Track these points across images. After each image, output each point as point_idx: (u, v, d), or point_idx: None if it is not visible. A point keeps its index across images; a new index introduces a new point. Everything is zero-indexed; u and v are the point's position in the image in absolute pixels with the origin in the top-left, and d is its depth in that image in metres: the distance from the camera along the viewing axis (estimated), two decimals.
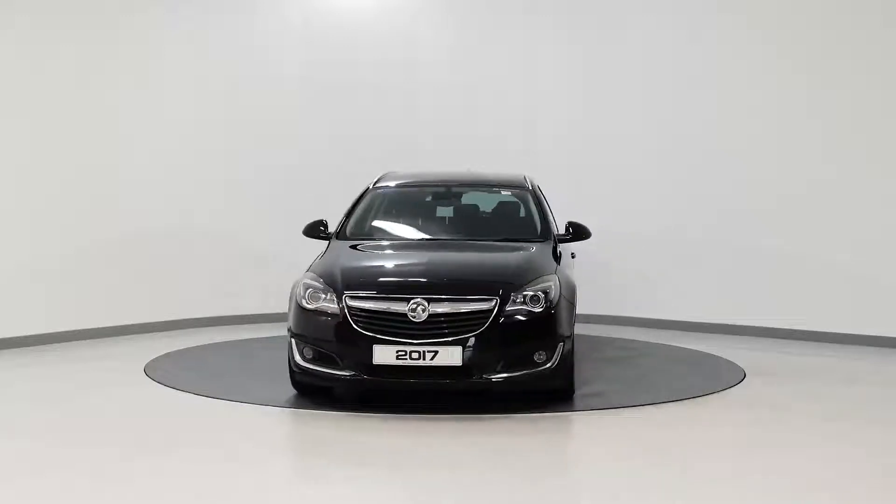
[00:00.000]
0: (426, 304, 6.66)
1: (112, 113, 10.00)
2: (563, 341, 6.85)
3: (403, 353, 6.61)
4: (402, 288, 6.92)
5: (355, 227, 8.17)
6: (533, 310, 6.77)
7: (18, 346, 9.15)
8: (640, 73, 10.92)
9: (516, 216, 8.39)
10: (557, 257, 7.64)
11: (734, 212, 10.35)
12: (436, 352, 6.60)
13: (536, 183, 8.69)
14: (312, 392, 7.22)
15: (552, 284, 6.94)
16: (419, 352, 6.61)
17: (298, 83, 11.46)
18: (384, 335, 6.66)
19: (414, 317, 6.65)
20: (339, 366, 6.80)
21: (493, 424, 6.70)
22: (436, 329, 6.65)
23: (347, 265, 7.30)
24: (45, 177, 9.48)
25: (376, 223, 8.32)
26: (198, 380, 7.82)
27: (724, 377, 8.17)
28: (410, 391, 7.06)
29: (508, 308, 6.73)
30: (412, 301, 6.67)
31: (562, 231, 8.03)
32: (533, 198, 8.23)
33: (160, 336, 9.92)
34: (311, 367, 6.94)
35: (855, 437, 6.42)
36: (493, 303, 6.70)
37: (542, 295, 6.83)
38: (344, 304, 6.80)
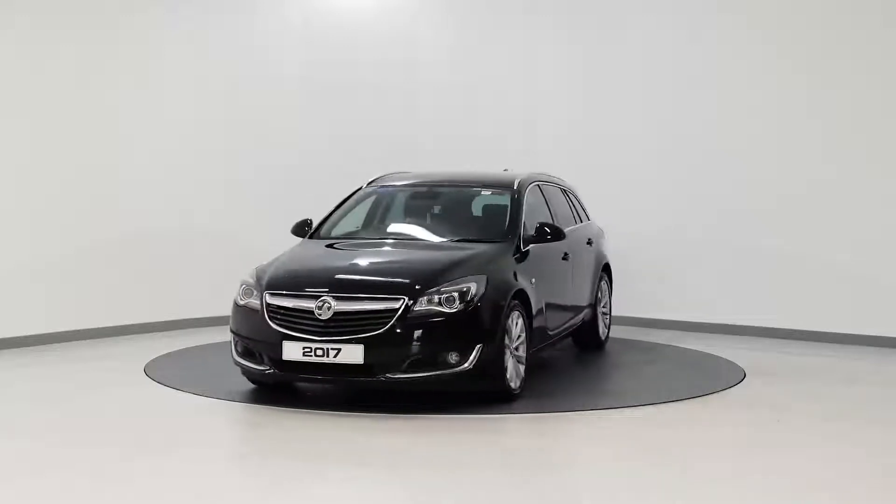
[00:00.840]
0: (332, 302, 6.73)
1: (112, 113, 10.00)
2: (485, 342, 6.76)
3: (309, 349, 6.69)
4: (313, 286, 6.96)
5: (330, 227, 8.28)
6: (445, 310, 6.72)
7: (18, 346, 9.15)
8: (640, 73, 10.92)
9: (490, 217, 8.22)
10: (519, 258, 7.51)
11: (734, 212, 10.35)
12: (339, 349, 6.65)
13: (533, 183, 8.46)
14: (270, 388, 7.38)
15: (472, 286, 6.83)
16: (323, 349, 6.66)
17: (298, 83, 11.46)
18: (293, 332, 6.77)
19: (319, 314, 6.73)
20: (259, 361, 6.98)
21: (493, 424, 6.70)
22: (339, 327, 6.70)
23: (280, 263, 7.42)
24: (45, 177, 9.49)
25: (350, 223, 8.42)
26: (198, 380, 7.82)
27: (724, 377, 8.17)
28: (321, 387, 7.27)
29: (417, 308, 6.70)
30: (319, 299, 6.76)
31: (532, 233, 7.81)
32: (514, 199, 8.02)
33: (160, 336, 9.92)
34: (241, 361, 7.16)
35: (855, 437, 6.43)
36: (400, 302, 6.69)
37: (457, 295, 6.76)
38: (263, 300, 6.96)
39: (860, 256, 9.74)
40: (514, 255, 7.51)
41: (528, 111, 11.50)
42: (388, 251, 7.83)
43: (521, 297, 7.25)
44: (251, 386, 7.53)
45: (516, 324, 7.11)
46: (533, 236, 7.73)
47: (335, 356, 6.65)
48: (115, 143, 10.04)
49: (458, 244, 7.64)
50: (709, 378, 8.23)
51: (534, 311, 7.44)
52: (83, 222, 9.76)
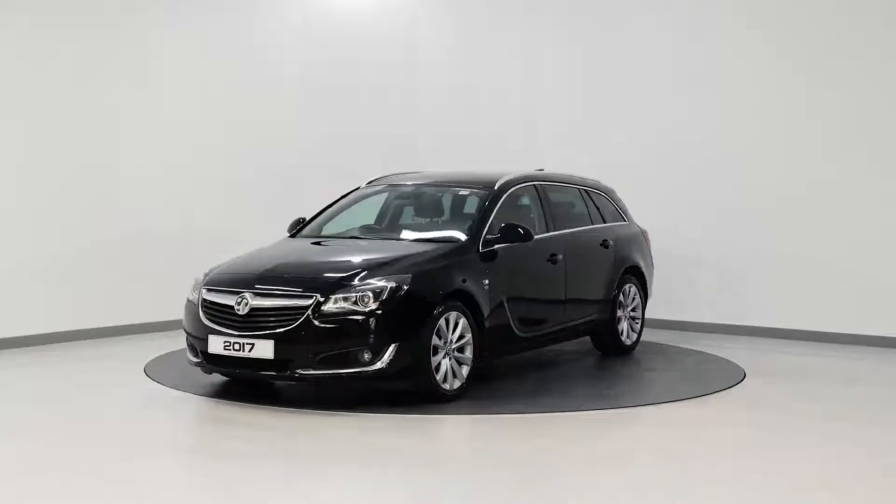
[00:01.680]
0: (249, 298, 6.92)
1: (112, 113, 10.00)
2: (402, 342, 6.78)
3: (228, 343, 6.92)
4: (236, 282, 7.16)
5: (317, 225, 8.43)
6: (357, 308, 6.77)
7: (18, 346, 9.15)
8: (640, 73, 10.92)
9: (458, 217, 8.18)
10: (480, 259, 7.48)
11: (734, 212, 10.35)
12: (252, 344, 6.82)
13: (523, 183, 8.35)
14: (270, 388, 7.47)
15: (389, 285, 6.86)
16: (240, 343, 6.86)
17: (298, 83, 11.46)
18: (217, 326, 7.03)
19: (238, 310, 6.92)
20: (194, 353, 7.29)
21: (493, 425, 6.70)
22: (255, 323, 6.87)
23: (232, 261, 7.67)
24: (45, 177, 9.48)
25: (331, 223, 8.48)
26: (198, 380, 7.82)
27: (724, 377, 8.17)
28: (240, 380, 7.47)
29: (328, 306, 6.77)
30: (239, 295, 6.96)
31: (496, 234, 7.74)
32: (488, 200, 7.97)
33: (160, 336, 9.91)
34: (188, 354, 7.45)
35: (855, 437, 6.42)
36: (312, 300, 6.78)
37: (371, 295, 6.79)
38: (200, 295, 7.26)
39: (860, 256, 9.74)
40: (469, 255, 7.48)
41: (528, 111, 11.50)
42: (338, 249, 7.92)
43: (463, 297, 7.20)
44: (251, 386, 7.55)
45: (456, 324, 7.10)
46: (496, 237, 7.66)
47: (249, 350, 6.83)
48: (115, 143, 10.04)
49: (415, 243, 7.69)
50: (709, 378, 8.23)
51: (486, 313, 7.36)
52: (83, 222, 9.76)
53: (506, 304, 7.65)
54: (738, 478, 5.54)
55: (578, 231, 8.75)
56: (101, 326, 9.84)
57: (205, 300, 7.19)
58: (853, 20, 9.78)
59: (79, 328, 9.69)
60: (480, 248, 7.56)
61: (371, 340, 6.74)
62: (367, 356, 6.75)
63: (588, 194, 9.22)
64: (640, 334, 9.41)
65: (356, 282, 6.89)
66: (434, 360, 6.92)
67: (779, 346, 9.75)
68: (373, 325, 6.75)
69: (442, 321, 6.98)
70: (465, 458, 5.89)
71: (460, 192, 8.41)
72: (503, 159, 10.37)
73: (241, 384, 7.56)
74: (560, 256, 8.32)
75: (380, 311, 6.76)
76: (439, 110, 11.70)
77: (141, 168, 10.22)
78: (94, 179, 9.87)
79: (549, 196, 8.67)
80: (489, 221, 7.76)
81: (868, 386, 8.08)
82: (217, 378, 7.74)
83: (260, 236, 10.70)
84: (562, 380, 8.19)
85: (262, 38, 11.26)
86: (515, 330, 7.80)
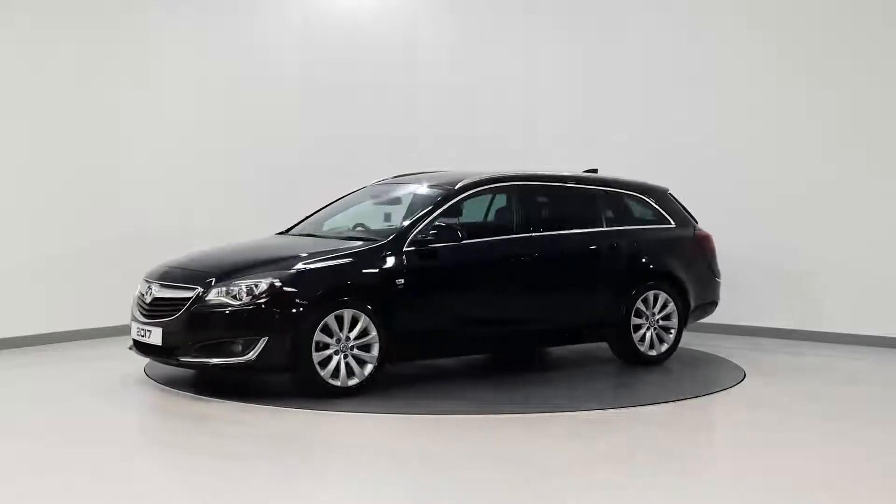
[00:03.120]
0: (155, 289, 7.49)
1: (112, 113, 10.00)
2: (273, 336, 7.01)
3: (139, 330, 7.54)
4: (155, 274, 7.73)
5: (305, 225, 8.67)
6: (230, 302, 7.10)
7: (18, 346, 9.15)
8: (640, 73, 10.92)
9: (410, 216, 8.08)
10: (391, 257, 7.48)
11: (734, 212, 10.35)
12: (150, 331, 7.41)
13: (496, 183, 8.26)
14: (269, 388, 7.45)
15: (264, 282, 7.11)
16: (144, 330, 7.47)
17: (298, 83, 11.46)
18: (135, 314, 7.68)
19: (145, 299, 7.55)
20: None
21: (493, 424, 6.70)
22: (154, 312, 7.45)
23: (182, 256, 8.08)
24: (45, 177, 9.48)
25: (314, 221, 8.66)
26: (197, 380, 7.82)
27: (724, 377, 8.17)
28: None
29: (207, 298, 7.16)
30: (148, 285, 7.59)
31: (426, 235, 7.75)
32: (440, 200, 7.96)
33: None
34: None
35: (855, 437, 6.42)
36: (194, 292, 7.21)
37: (245, 289, 7.09)
38: (139, 287, 7.81)
39: (860, 256, 9.74)
40: (384, 254, 7.50)
41: (528, 111, 11.49)
42: (270, 247, 8.05)
43: (365, 295, 7.30)
44: (250, 386, 7.56)
45: (354, 322, 7.23)
46: (429, 237, 7.66)
47: (149, 337, 7.41)
48: (115, 143, 10.03)
49: (343, 241, 7.86)
50: (709, 378, 8.23)
51: (396, 312, 7.42)
52: (83, 222, 9.76)
53: (439, 304, 7.69)
54: (738, 478, 5.54)
55: (564, 234, 8.41)
56: (101, 326, 9.83)
57: (139, 290, 7.75)
58: (853, 20, 9.78)
59: (79, 328, 9.69)
60: (406, 247, 7.59)
61: (242, 333, 7.07)
62: (238, 347, 7.07)
63: (608, 196, 8.80)
64: (674, 346, 8.72)
65: (238, 277, 7.22)
66: (319, 355, 7.09)
67: (779, 346, 9.75)
68: (245, 319, 7.07)
69: (331, 318, 7.14)
70: (465, 458, 5.89)
71: (419, 192, 8.39)
72: (503, 159, 10.36)
73: (240, 384, 7.57)
74: (529, 258, 8.10)
75: (251, 306, 7.06)
76: (439, 110, 11.70)
77: (141, 168, 10.22)
78: (94, 179, 9.87)
79: (537, 197, 8.45)
80: (426, 221, 7.75)
81: (868, 386, 8.08)
82: (216, 378, 7.76)
83: (260, 236, 10.73)
84: (562, 380, 8.18)
85: (262, 38, 11.26)
86: (453, 330, 7.80)
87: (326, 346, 7.14)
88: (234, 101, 10.98)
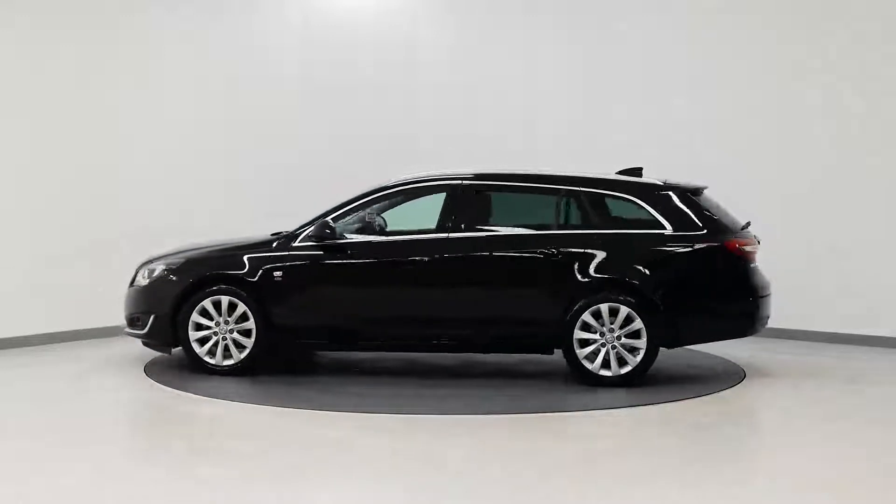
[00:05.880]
0: (140, 275, 8.42)
1: (112, 113, 10.00)
2: (157, 315, 8.09)
3: None
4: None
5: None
6: (141, 282, 8.31)
7: (18, 346, 9.15)
8: (640, 73, 10.92)
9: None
10: (276, 251, 8.01)
11: (734, 212, 10.31)
12: None
13: (429, 183, 8.17)
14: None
15: (160, 267, 8.24)
16: None
17: (298, 83, 11.46)
18: None
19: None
20: None
21: (493, 424, 6.70)
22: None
23: None
24: (45, 177, 9.49)
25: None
26: (197, 380, 7.82)
27: (724, 377, 8.17)
28: None
29: (137, 279, 8.39)
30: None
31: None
32: (357, 197, 8.22)
33: None
34: None
35: (855, 437, 6.43)
36: (134, 274, 8.45)
37: (147, 273, 8.31)
38: None
39: (861, 256, 9.74)
40: (273, 247, 8.08)
41: (528, 111, 11.49)
42: (215, 241, 8.65)
43: (242, 284, 7.93)
44: (250, 386, 7.56)
45: (231, 309, 7.92)
46: (319, 234, 7.98)
47: None
48: (115, 143, 10.04)
49: (261, 236, 8.45)
50: (709, 378, 8.23)
51: (272, 302, 7.91)
52: (83, 222, 9.76)
53: (318, 299, 7.98)
54: (739, 478, 5.54)
55: (485, 236, 7.94)
56: (101, 326, 9.84)
57: None
58: (853, 20, 9.78)
59: (79, 328, 9.69)
60: (298, 242, 8.04)
61: (139, 310, 8.26)
62: (138, 322, 8.25)
63: (580, 197, 8.00)
64: (640, 368, 7.69)
65: (153, 262, 8.35)
66: (197, 335, 7.97)
67: (779, 346, 9.75)
68: (142, 298, 8.26)
69: (208, 303, 7.95)
70: (465, 458, 5.89)
71: (366, 191, 8.37)
72: (503, 159, 10.35)
73: (240, 384, 7.58)
74: (426, 259, 7.89)
75: (146, 287, 8.22)
76: (439, 110, 11.70)
77: (141, 168, 10.22)
78: (94, 179, 9.87)
79: (480, 199, 8.11)
80: (320, 221, 8.01)
81: (868, 386, 8.08)
82: (217, 378, 7.77)
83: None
84: (562, 380, 8.18)
85: (262, 38, 11.26)
86: (335, 325, 8.00)
87: (208, 328, 7.97)
88: (234, 101, 10.98)
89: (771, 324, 10.14)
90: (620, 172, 8.46)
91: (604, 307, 7.67)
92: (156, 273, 8.20)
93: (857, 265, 9.77)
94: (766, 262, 10.20)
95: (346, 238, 8.03)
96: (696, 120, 10.60)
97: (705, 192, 8.30)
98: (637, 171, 8.41)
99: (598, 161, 10.80)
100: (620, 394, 7.70)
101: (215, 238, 8.80)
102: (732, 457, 6.03)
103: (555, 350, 7.97)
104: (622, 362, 7.70)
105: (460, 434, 6.45)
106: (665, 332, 7.73)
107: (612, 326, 7.68)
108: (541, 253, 7.85)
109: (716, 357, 9.07)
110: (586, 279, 7.74)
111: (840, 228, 9.83)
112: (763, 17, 10.26)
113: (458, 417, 6.82)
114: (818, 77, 9.96)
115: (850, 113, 9.82)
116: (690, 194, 8.06)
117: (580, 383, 7.72)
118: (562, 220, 8.05)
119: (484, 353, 8.36)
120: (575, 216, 8.08)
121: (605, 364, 7.70)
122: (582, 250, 7.81)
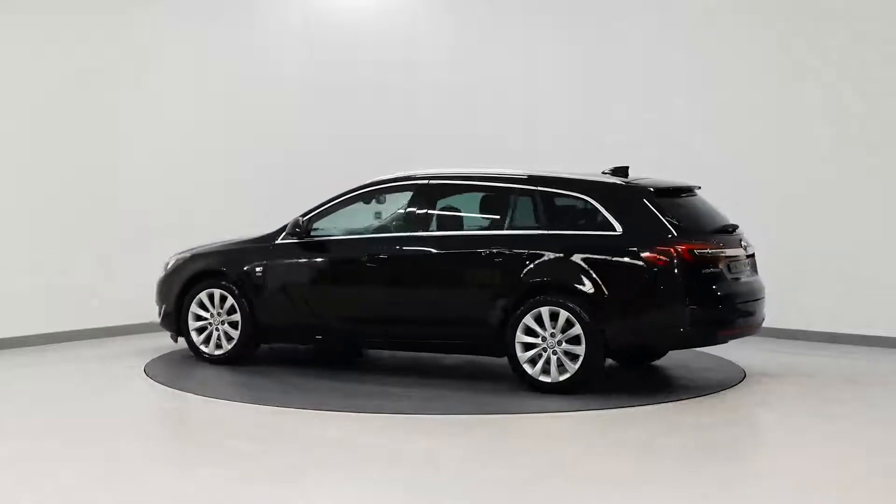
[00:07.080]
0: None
1: (112, 113, 10.00)
2: (167, 305, 8.79)
3: None
4: None
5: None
6: (162, 274, 9.01)
7: (18, 346, 9.15)
8: (640, 73, 10.92)
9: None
10: (262, 248, 8.47)
11: (734, 212, 10.31)
12: None
13: (397, 182, 8.31)
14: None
15: (171, 261, 8.94)
16: None
17: (298, 83, 11.46)
18: None
19: None
20: None
21: (493, 424, 6.70)
22: None
23: None
24: (45, 177, 9.48)
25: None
26: (198, 380, 7.83)
27: (724, 377, 8.17)
28: None
29: (163, 273, 9.06)
30: None
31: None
32: (335, 197, 8.53)
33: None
34: None
35: (855, 437, 6.43)
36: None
37: (168, 264, 8.98)
38: None
39: (860, 256, 9.74)
40: (257, 246, 8.55)
41: (528, 111, 11.48)
42: (234, 239, 9.07)
43: (232, 279, 8.44)
44: (250, 385, 7.56)
45: (221, 301, 8.46)
46: (287, 234, 8.40)
47: None
48: (115, 143, 10.03)
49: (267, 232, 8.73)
50: (709, 378, 8.23)
51: (255, 297, 8.35)
52: (83, 222, 9.76)
53: (290, 294, 8.34)
54: (739, 478, 5.54)
55: (435, 236, 7.93)
56: (100, 326, 9.83)
57: None
58: (853, 20, 9.78)
59: (79, 328, 9.69)
60: (279, 240, 8.44)
61: (157, 299, 8.92)
62: (159, 310, 8.86)
63: (540, 196, 7.72)
64: (580, 374, 7.27)
65: (176, 255, 8.93)
66: (194, 325, 8.55)
67: (779, 346, 9.75)
68: (159, 288, 8.94)
69: (203, 296, 8.54)
70: (465, 458, 5.89)
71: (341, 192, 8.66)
72: (503, 159, 10.35)
73: (239, 384, 7.59)
74: (374, 257, 8.00)
75: (163, 279, 8.89)
76: (439, 110, 11.69)
77: (141, 168, 10.21)
78: (94, 179, 9.86)
79: (439, 198, 8.13)
80: (296, 218, 8.35)
81: (868, 386, 8.08)
82: (217, 378, 7.78)
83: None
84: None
85: (262, 39, 11.26)
86: (307, 320, 8.26)
87: (202, 319, 8.55)
88: (234, 101, 10.98)
89: (771, 324, 10.17)
90: (607, 172, 8.19)
91: (545, 311, 7.35)
92: (170, 265, 8.91)
93: (856, 265, 9.76)
94: (766, 262, 10.23)
95: (311, 237, 8.39)
96: (696, 120, 10.59)
97: (698, 192, 8.23)
98: (623, 171, 8.10)
99: (598, 161, 10.78)
100: (620, 394, 7.70)
101: (245, 233, 9.04)
102: (732, 457, 6.02)
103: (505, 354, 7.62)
104: (563, 369, 7.33)
105: (460, 434, 6.45)
106: (605, 338, 7.30)
107: (554, 331, 7.35)
108: (485, 254, 7.66)
109: (716, 357, 9.06)
110: (529, 281, 7.45)
111: (840, 228, 9.83)
112: (763, 17, 10.26)
113: (457, 417, 6.82)
114: (818, 77, 9.97)
115: (850, 113, 9.83)
116: (656, 195, 7.60)
117: (529, 389, 7.41)
118: (512, 221, 7.79)
119: (434, 353, 8.55)
120: (526, 216, 7.78)
121: (546, 370, 7.37)
122: (527, 251, 7.52)
